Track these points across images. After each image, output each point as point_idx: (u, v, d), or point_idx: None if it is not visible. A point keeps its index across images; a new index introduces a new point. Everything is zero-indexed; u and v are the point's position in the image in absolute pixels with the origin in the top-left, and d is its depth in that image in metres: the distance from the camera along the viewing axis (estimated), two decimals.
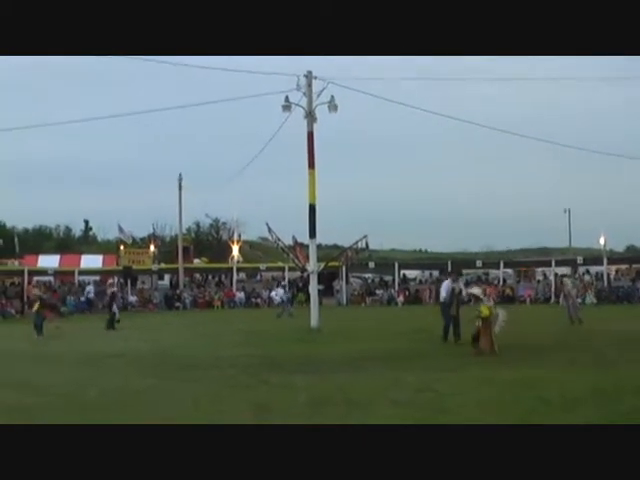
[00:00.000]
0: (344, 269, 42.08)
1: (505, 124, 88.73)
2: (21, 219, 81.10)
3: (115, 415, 8.27)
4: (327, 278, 40.07)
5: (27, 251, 57.38)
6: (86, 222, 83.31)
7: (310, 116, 23.47)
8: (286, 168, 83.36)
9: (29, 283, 39.39)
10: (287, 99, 23.70)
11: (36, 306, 22.85)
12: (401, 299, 41.51)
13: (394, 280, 44.17)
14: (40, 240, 74.30)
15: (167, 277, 47.22)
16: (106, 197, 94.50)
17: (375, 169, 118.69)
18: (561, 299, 25.15)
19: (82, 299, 39.98)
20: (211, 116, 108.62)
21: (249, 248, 68.23)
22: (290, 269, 38.49)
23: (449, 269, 37.86)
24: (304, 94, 23.48)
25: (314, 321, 22.81)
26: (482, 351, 14.28)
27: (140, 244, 62.32)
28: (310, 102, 23.47)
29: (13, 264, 48.68)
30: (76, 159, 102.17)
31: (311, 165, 23.46)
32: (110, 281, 31.18)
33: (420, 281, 46.02)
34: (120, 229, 53.75)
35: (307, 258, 25.36)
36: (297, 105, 23.61)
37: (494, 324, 14.71)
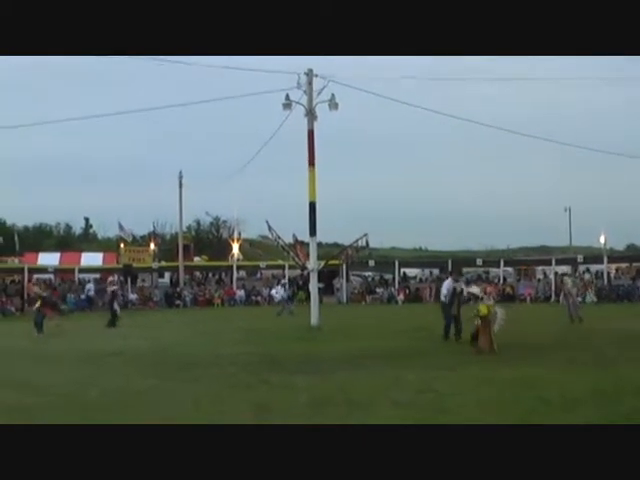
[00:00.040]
0: (344, 267, 42.07)
1: (505, 124, 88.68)
2: (21, 217, 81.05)
3: (115, 415, 8.27)
4: (327, 276, 40.06)
5: (27, 249, 57.43)
6: (86, 220, 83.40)
7: (310, 114, 23.46)
8: (286, 166, 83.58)
9: (29, 281, 39.37)
10: (287, 97, 23.70)
11: (37, 304, 22.90)
12: (401, 297, 41.50)
13: (394, 278, 44.15)
14: (40, 238, 74.29)
15: (167, 275, 47.21)
16: (106, 195, 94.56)
17: (375, 167, 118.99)
18: (561, 298, 25.15)
19: (82, 297, 39.99)
20: (211, 114, 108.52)
21: (249, 246, 68.22)
22: (290, 267, 38.46)
23: (449, 268, 37.85)
24: (304, 92, 23.48)
25: (314, 319, 22.81)
26: (481, 350, 14.30)
27: (140, 242, 62.39)
28: (310, 100, 23.46)
29: (13, 262, 48.69)
30: (76, 157, 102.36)
31: (311, 163, 23.45)
32: (111, 279, 31.10)
33: (420, 279, 45.99)
34: (120, 227, 53.81)
35: (307, 256, 25.36)
36: (297, 103, 23.63)
37: (493, 323, 14.73)
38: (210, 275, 48.00)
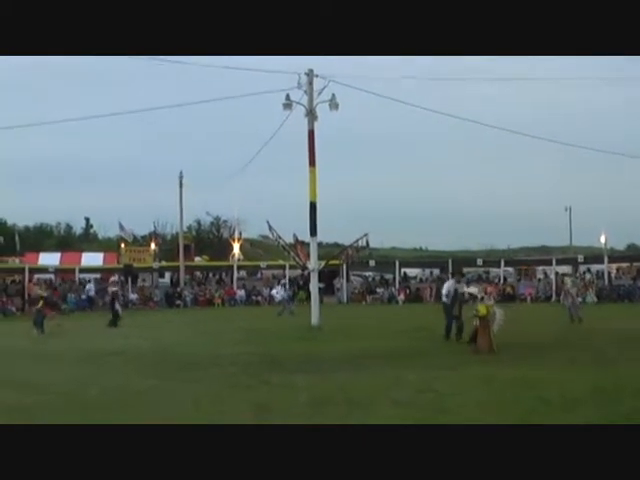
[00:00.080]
0: (345, 267, 42.07)
1: (506, 124, 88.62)
2: (22, 217, 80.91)
3: (115, 414, 8.27)
4: (328, 276, 40.05)
5: (28, 249, 57.45)
6: (87, 220, 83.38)
7: (311, 114, 23.47)
8: (287, 166, 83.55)
9: (30, 281, 39.39)
10: (288, 97, 23.69)
11: (40, 304, 23.02)
12: (402, 297, 41.50)
13: (395, 278, 44.15)
14: (41, 238, 74.30)
15: (168, 275, 47.21)
16: (107, 195, 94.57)
17: (376, 167, 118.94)
18: (562, 298, 25.15)
19: (83, 297, 40.01)
20: (212, 114, 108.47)
21: (250, 246, 68.26)
22: (291, 267, 38.45)
23: (450, 268, 37.84)
24: (305, 92, 23.48)
25: (315, 319, 22.82)
26: (479, 351, 14.27)
27: (141, 242, 62.39)
28: (311, 100, 23.46)
29: (14, 262, 48.70)
30: (77, 157, 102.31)
31: (312, 163, 23.45)
32: (112, 279, 31.12)
33: (421, 279, 45.98)
34: (121, 227, 53.84)
35: (308, 256, 25.36)
36: (298, 103, 23.63)
37: (492, 323, 14.72)
38: (211, 275, 48.01)
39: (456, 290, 17.64)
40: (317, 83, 23.48)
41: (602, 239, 55.87)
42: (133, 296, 41.25)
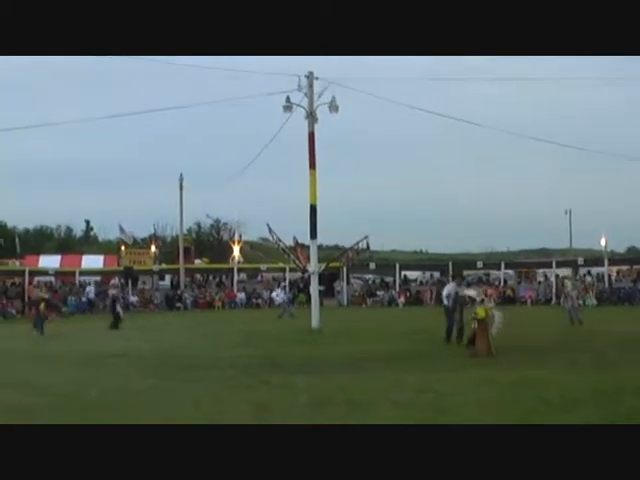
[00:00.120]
0: (345, 270, 42.08)
1: (505, 124, 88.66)
2: (22, 219, 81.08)
3: (116, 416, 8.26)
4: (328, 279, 40.06)
5: (28, 251, 57.37)
6: (87, 222, 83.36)
7: (311, 117, 23.49)
8: (287, 168, 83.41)
9: (30, 283, 39.39)
10: (288, 99, 23.71)
11: (42, 306, 23.14)
12: (402, 300, 41.49)
13: (395, 281, 44.16)
14: (41, 240, 74.27)
15: (168, 277, 47.22)
16: (107, 197, 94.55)
17: (376, 169, 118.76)
18: (562, 300, 25.16)
19: (83, 299, 40.00)
20: (212, 116, 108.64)
21: (250, 249, 68.23)
22: (291, 270, 38.47)
23: (450, 270, 37.83)
24: (305, 95, 23.50)
25: (315, 322, 22.82)
26: (477, 354, 14.22)
27: (141, 244, 62.35)
28: (311, 103, 23.49)
29: (14, 264, 48.69)
30: (77, 159, 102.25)
31: (312, 165, 23.47)
32: (112, 282, 31.05)
33: (421, 282, 45.99)
34: (121, 229, 53.77)
35: (308, 259, 25.36)
36: (298, 105, 23.64)
37: (490, 326, 14.68)
38: (211, 278, 48.01)
39: (457, 293, 17.65)
40: (317, 85, 23.54)
41: (602, 242, 55.88)
42: (133, 299, 41.24)
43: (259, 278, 46.90)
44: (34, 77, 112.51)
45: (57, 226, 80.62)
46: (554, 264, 43.17)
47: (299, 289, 39.37)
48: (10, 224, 70.90)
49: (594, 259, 45.71)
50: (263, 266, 47.46)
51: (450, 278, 22.11)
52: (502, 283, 42.97)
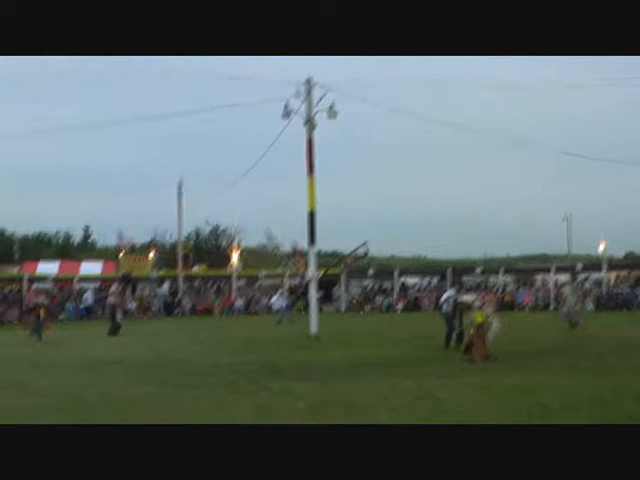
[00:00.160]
0: (343, 276, 42.04)
1: (505, 127, 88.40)
2: (21, 225, 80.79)
3: (115, 421, 8.21)
4: (326, 285, 40.00)
5: (27, 258, 57.33)
6: (86, 229, 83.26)
7: (310, 123, 23.51)
8: (287, 174, 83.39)
9: (28, 290, 39.31)
10: (287, 106, 23.74)
11: (42, 313, 23.14)
12: (400, 306, 41.43)
13: (393, 287, 44.11)
14: (40, 247, 74.10)
15: (166, 284, 47.12)
16: (106, 203, 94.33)
17: (374, 175, 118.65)
18: (560, 306, 25.20)
19: (81, 306, 39.90)
20: (212, 122, 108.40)
21: (248, 255, 68.15)
22: (289, 276, 38.45)
23: (449, 276, 37.79)
24: (304, 101, 23.54)
25: (313, 328, 22.79)
26: (474, 359, 14.19)
27: (140, 251, 62.29)
28: (310, 109, 23.51)
29: (13, 271, 48.62)
30: (76, 165, 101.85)
31: (311, 171, 23.48)
32: (112, 290, 30.91)
33: (420, 288, 45.92)
34: (120, 236, 53.77)
35: (306, 265, 25.35)
36: (297, 113, 23.67)
37: (487, 332, 14.66)
38: (209, 284, 47.93)
39: (456, 299, 17.69)
40: (316, 90, 23.57)
41: (601, 247, 55.83)
42: (131, 305, 41.15)
43: (258, 284, 46.82)
44: (34, 77, 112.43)
45: (56, 232, 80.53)
46: (553, 270, 43.14)
47: (297, 295, 39.32)
48: (9, 230, 70.77)
49: (593, 265, 45.66)
50: (262, 272, 47.39)
51: (449, 284, 22.15)
52: (501, 289, 42.91)
